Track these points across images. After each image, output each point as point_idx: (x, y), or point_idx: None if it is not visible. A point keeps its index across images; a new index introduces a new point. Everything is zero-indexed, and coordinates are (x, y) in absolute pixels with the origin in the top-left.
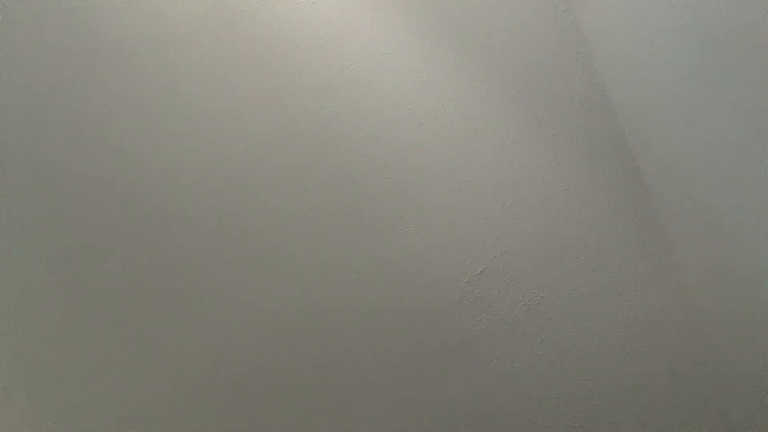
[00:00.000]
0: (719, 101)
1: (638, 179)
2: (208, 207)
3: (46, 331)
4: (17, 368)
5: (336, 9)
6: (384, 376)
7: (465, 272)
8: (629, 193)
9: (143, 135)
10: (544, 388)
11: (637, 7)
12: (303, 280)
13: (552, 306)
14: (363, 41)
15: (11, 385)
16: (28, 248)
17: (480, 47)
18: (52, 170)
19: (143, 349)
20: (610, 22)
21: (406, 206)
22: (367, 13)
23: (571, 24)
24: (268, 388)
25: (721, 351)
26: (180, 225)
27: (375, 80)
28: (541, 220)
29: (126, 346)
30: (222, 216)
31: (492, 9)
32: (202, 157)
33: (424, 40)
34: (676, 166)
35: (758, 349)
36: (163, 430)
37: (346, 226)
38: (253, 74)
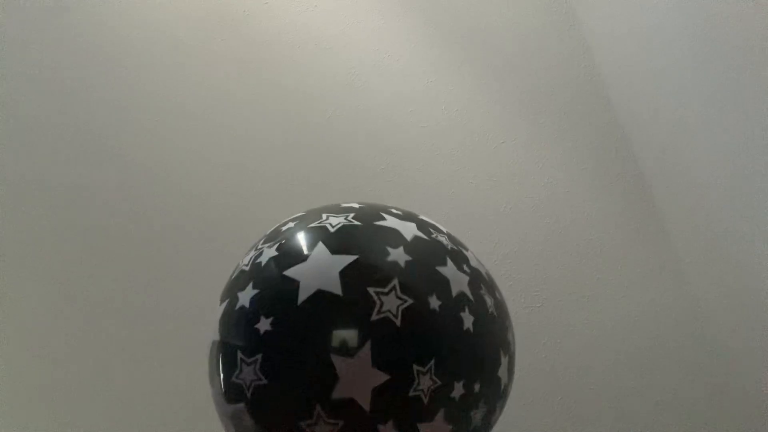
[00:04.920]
0: (720, 102)
1: (640, 181)
2: (210, 211)
3: (44, 338)
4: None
5: (338, 11)
6: None
7: None
8: (631, 195)
9: (145, 139)
10: (548, 390)
11: (639, 10)
12: None
13: (554, 308)
14: (365, 43)
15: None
16: (28, 255)
17: (483, 50)
18: (53, 175)
19: (142, 356)
20: (612, 25)
21: (408, 209)
22: (370, 16)
23: (573, 27)
24: None
25: (726, 351)
26: (181, 230)
27: (377, 83)
28: (543, 223)
29: (125, 353)
30: (224, 220)
31: (495, 12)
32: (203, 161)
33: (426, 42)
34: (677, 167)
35: (762, 348)
36: None
37: None
38: (255, 77)
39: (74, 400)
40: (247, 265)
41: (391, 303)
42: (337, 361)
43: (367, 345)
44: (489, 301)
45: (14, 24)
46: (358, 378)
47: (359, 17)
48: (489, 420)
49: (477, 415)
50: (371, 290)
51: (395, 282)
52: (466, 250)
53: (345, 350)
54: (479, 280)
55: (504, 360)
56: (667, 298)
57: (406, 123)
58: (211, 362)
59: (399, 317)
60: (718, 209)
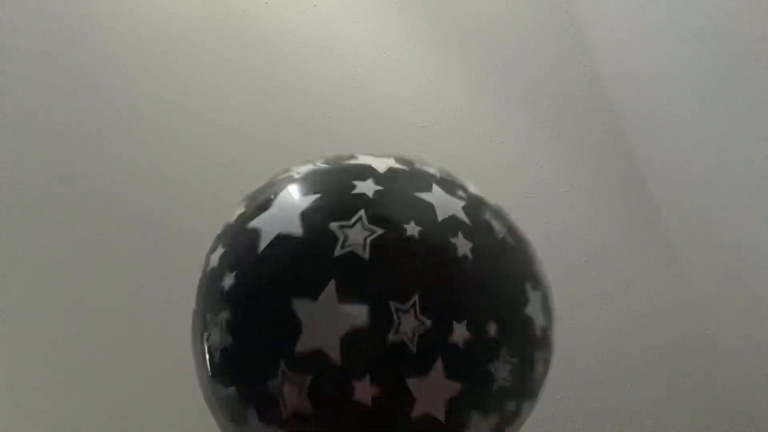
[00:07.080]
0: (721, 103)
1: (640, 181)
2: (208, 211)
3: (43, 338)
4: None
5: (338, 11)
6: None
7: None
8: (631, 195)
9: (143, 139)
10: (548, 390)
11: (639, 10)
12: None
13: (554, 308)
14: (365, 43)
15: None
16: (28, 252)
17: (483, 50)
18: (52, 172)
19: (141, 356)
20: (612, 25)
21: None
22: (370, 15)
23: (573, 27)
24: None
25: (726, 351)
26: (179, 230)
27: (377, 82)
28: (542, 223)
29: (124, 353)
30: (223, 220)
31: (495, 12)
32: (203, 161)
33: (426, 42)
34: (677, 166)
35: (762, 347)
36: None
37: None
38: (255, 77)
39: (73, 401)
40: (220, 229)
41: (357, 235)
42: (298, 306)
43: (331, 284)
44: (498, 226)
45: (13, 23)
46: (324, 323)
47: (359, 17)
48: (525, 377)
49: (501, 371)
50: (333, 225)
51: (361, 213)
52: (467, 183)
53: (306, 293)
54: (482, 206)
55: (534, 295)
56: (667, 298)
57: (406, 123)
58: (193, 333)
59: (367, 249)
60: (717, 208)
